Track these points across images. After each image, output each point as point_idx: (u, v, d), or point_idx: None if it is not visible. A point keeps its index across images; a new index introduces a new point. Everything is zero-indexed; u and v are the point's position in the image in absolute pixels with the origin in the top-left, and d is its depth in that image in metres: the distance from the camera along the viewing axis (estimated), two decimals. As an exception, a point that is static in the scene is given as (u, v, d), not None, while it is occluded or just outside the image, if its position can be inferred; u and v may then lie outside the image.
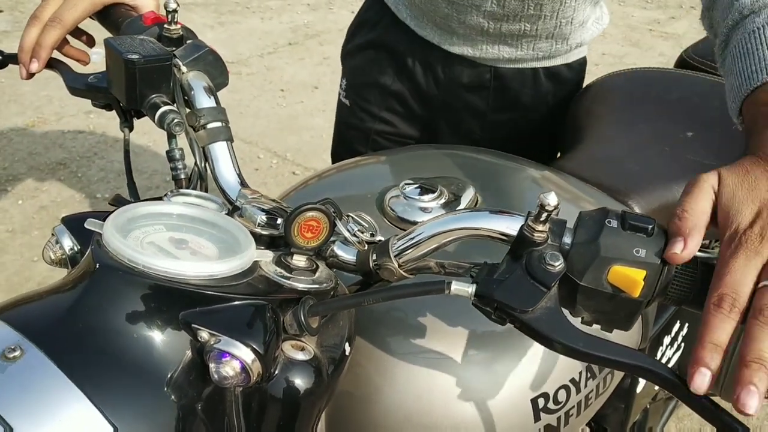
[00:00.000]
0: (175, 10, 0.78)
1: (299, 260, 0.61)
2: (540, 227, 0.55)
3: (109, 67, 0.76)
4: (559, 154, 1.34)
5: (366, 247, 0.64)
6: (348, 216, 0.65)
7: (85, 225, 0.55)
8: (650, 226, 0.56)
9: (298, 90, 3.48)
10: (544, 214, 0.54)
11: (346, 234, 0.62)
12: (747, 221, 0.54)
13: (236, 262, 0.55)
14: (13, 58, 0.87)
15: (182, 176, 0.73)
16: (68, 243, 0.62)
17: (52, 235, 0.63)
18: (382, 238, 0.65)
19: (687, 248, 0.54)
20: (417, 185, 0.83)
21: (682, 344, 1.33)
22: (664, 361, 1.28)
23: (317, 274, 0.60)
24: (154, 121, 0.72)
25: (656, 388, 1.24)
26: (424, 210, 0.81)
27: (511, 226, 0.59)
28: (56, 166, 2.85)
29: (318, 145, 3.01)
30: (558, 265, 0.55)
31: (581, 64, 1.36)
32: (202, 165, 0.74)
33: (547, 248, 0.56)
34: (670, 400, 1.37)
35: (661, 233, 0.56)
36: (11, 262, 2.30)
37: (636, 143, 1.20)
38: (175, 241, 0.58)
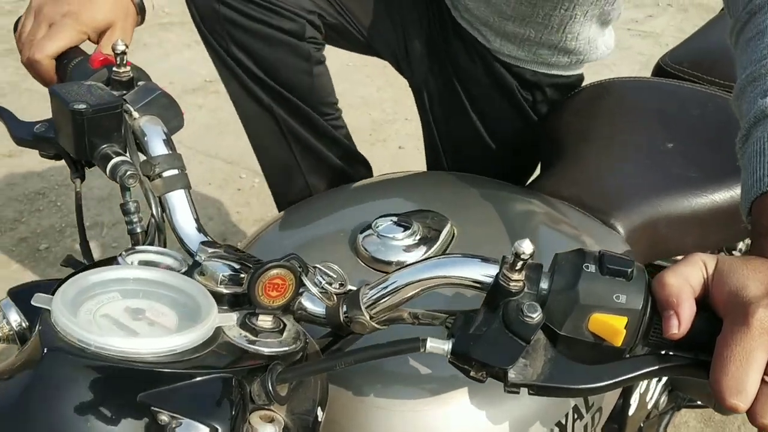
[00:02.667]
0: (123, 52, 0.75)
1: (265, 320, 0.57)
2: (516, 276, 0.52)
3: (56, 117, 0.73)
4: (539, 170, 1.31)
5: (335, 300, 0.61)
6: (315, 268, 0.62)
7: (33, 302, 0.52)
8: (629, 270, 0.53)
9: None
10: (520, 263, 0.52)
11: (313, 290, 0.59)
12: (754, 295, 0.50)
13: (197, 333, 0.52)
14: None
15: (138, 230, 0.70)
16: (15, 318, 0.58)
17: None
18: (353, 288, 0.62)
19: (682, 323, 0.51)
20: (390, 222, 0.80)
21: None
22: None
23: (285, 335, 0.57)
24: (105, 173, 0.69)
25: (649, 407, 1.21)
26: (399, 248, 0.78)
27: (485, 273, 0.56)
28: (35, 196, 2.80)
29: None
30: (536, 316, 0.52)
31: (579, 79, 1.34)
32: (159, 216, 0.71)
33: (525, 297, 0.53)
34: (664, 415, 1.35)
35: (641, 276, 0.54)
36: (-9, 299, 2.25)
37: (616, 157, 1.18)
38: (132, 311, 0.55)
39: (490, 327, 0.52)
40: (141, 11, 0.91)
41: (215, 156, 3.06)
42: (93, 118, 0.68)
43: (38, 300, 0.52)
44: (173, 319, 0.55)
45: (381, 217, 0.81)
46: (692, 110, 1.27)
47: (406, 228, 0.79)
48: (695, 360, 0.53)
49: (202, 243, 0.65)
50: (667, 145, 1.19)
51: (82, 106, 0.68)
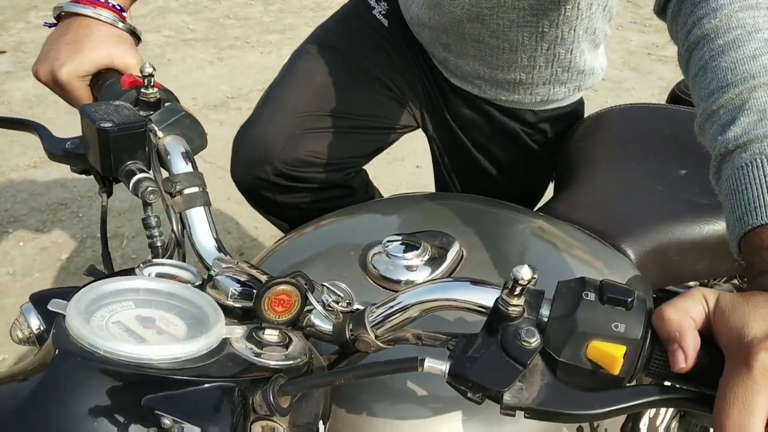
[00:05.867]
0: (151, 75, 0.78)
1: (271, 335, 0.59)
2: (515, 301, 0.54)
3: (85, 134, 0.76)
4: (553, 194, 1.33)
5: (342, 318, 0.63)
6: (323, 286, 0.64)
7: (49, 307, 0.55)
8: (629, 299, 0.54)
9: (298, 123, 3.48)
10: (518, 288, 0.53)
11: (318, 308, 0.61)
12: (755, 336, 0.50)
13: (203, 342, 0.54)
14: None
15: (158, 244, 0.72)
16: (35, 322, 0.61)
17: (21, 313, 0.63)
18: (360, 307, 0.64)
19: (688, 357, 0.52)
20: (400, 242, 0.82)
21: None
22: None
23: (290, 349, 0.59)
24: (129, 189, 0.72)
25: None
26: (407, 268, 0.80)
27: (487, 297, 0.57)
28: (57, 207, 2.85)
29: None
30: (534, 341, 0.53)
31: (579, 103, 1.35)
32: (179, 231, 0.73)
33: (523, 322, 0.54)
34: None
35: (641, 306, 0.55)
36: (12, 306, 2.29)
37: (628, 183, 1.19)
38: (142, 320, 0.57)
39: (487, 350, 0.54)
40: (132, 34, 0.95)
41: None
42: (118, 136, 0.71)
43: (54, 305, 0.55)
44: (182, 329, 0.57)
45: (391, 236, 0.83)
46: None
47: (414, 248, 0.81)
48: (699, 394, 0.54)
49: (217, 258, 0.68)
50: (680, 171, 1.20)
51: (108, 124, 0.71)
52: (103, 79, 0.88)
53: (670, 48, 4.58)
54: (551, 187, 1.44)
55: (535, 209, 1.22)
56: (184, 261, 0.73)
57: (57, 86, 0.91)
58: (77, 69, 0.89)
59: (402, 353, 0.58)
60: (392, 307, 0.61)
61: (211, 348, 0.55)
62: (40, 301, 0.63)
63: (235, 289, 0.62)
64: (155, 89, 0.79)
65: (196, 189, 0.74)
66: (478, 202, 1.05)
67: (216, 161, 3.18)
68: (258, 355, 0.57)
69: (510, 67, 1.19)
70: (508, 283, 0.54)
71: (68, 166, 0.82)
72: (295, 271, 0.60)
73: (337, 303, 0.63)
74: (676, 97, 1.45)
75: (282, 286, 0.58)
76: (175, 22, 4.43)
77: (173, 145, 0.76)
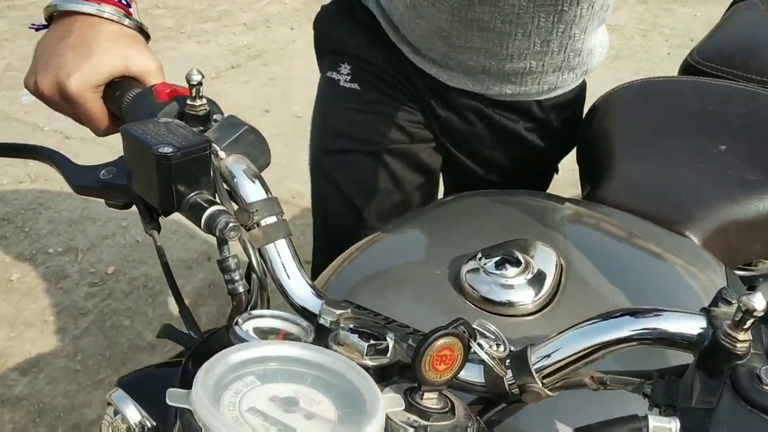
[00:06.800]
0: (200, 83, 0.65)
1: (430, 399, 0.49)
2: (743, 336, 0.45)
3: (131, 161, 0.62)
4: (583, 181, 1.25)
5: (498, 365, 0.53)
6: (474, 330, 0.53)
7: (168, 401, 0.42)
8: None
9: (249, 115, 3.32)
10: (749, 321, 0.44)
11: (487, 358, 0.50)
12: None
13: (371, 429, 0.43)
14: None
15: (240, 289, 0.59)
16: (133, 414, 0.48)
17: (108, 404, 0.49)
18: (513, 348, 0.54)
19: None
20: (498, 256, 0.72)
21: None
22: None
23: (457, 415, 0.48)
24: (198, 224, 0.59)
25: None
26: (511, 288, 0.70)
27: (691, 329, 0.48)
28: (0, 223, 2.63)
29: (280, 173, 2.86)
30: None
31: (583, 86, 1.27)
32: (262, 271, 0.61)
33: (753, 359, 0.45)
34: None
35: None
36: (-36, 338, 2.10)
37: (669, 162, 1.12)
38: (281, 402, 0.45)
39: (720, 399, 0.44)
40: (141, 31, 0.80)
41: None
42: (181, 162, 0.58)
43: (174, 398, 0.43)
44: (330, 408, 0.46)
45: (484, 249, 0.73)
46: (736, 109, 1.21)
47: (514, 263, 0.71)
48: None
49: (326, 303, 0.56)
50: (719, 147, 1.14)
51: (168, 149, 0.57)
52: (119, 90, 0.74)
53: (613, 16, 4.60)
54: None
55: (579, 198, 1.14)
56: (269, 308, 0.61)
57: (64, 100, 0.75)
58: (89, 78, 0.74)
59: (571, 400, 0.48)
60: (564, 348, 0.51)
61: None
62: (132, 385, 0.50)
63: (369, 345, 0.51)
64: (203, 100, 0.66)
65: (275, 219, 0.62)
66: (533, 197, 0.96)
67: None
68: (425, 429, 0.46)
69: (521, 55, 1.09)
70: (729, 315, 0.45)
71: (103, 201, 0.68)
72: (456, 319, 0.49)
73: (490, 347, 0.53)
74: (690, 67, 1.38)
75: (444, 340, 0.47)
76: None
77: (238, 167, 0.63)
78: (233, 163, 0.63)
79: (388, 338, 0.52)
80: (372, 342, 0.51)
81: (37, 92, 0.77)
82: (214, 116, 0.67)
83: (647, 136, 1.18)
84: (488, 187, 1.24)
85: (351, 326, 0.53)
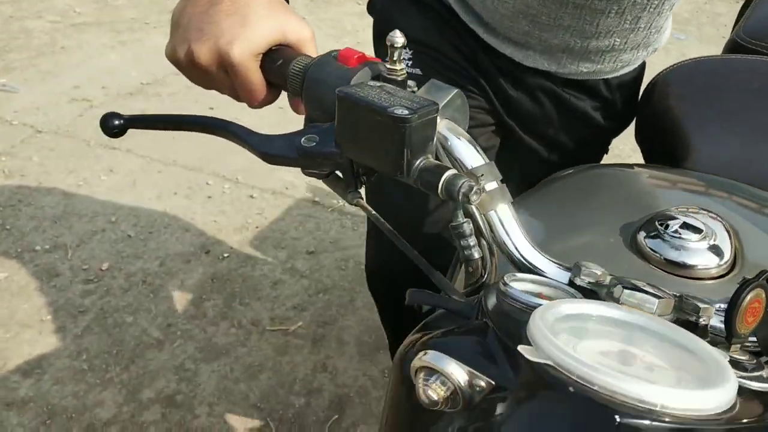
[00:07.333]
0: (403, 45, 0.62)
1: (735, 351, 0.48)
2: None
3: (347, 126, 0.59)
4: (645, 160, 1.26)
5: None
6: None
7: (529, 357, 0.41)
8: None
9: (228, 105, 3.23)
10: None
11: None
12: None
13: (725, 396, 0.42)
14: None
15: (476, 255, 0.58)
16: (460, 374, 0.46)
17: (422, 368, 0.47)
18: None
19: None
20: (679, 221, 0.72)
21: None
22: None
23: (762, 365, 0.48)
24: (430, 189, 0.57)
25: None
26: (696, 252, 0.70)
27: None
28: (-22, 220, 2.50)
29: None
30: None
31: (644, 65, 1.29)
32: (491, 237, 0.59)
33: None
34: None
35: None
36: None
37: (754, 137, 1.14)
38: (614, 356, 0.44)
39: None
40: None
41: (173, 163, 2.84)
42: (416, 126, 0.56)
43: (530, 352, 0.41)
44: (669, 371, 0.45)
45: (660, 212, 0.73)
46: None
47: (695, 230, 0.72)
48: None
49: (578, 265, 0.55)
50: None
51: (405, 111, 0.55)
52: (282, 58, 0.70)
53: None
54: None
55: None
56: (496, 271, 0.60)
57: (222, 70, 0.71)
58: (251, 46, 0.69)
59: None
60: None
61: (731, 404, 0.43)
62: (443, 346, 0.47)
63: (651, 304, 0.50)
64: (402, 64, 0.63)
65: (495, 184, 0.60)
66: (660, 170, 0.97)
67: (149, 154, 2.91)
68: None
69: (608, 32, 1.09)
70: None
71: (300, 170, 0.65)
72: (762, 272, 0.48)
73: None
74: (737, 45, 1.41)
75: (755, 292, 0.47)
76: (59, 5, 4.00)
77: (453, 131, 0.61)
78: (444, 127, 0.61)
79: (670, 294, 0.51)
80: (654, 301, 0.50)
81: (188, 61, 0.72)
82: (409, 82, 0.65)
83: (722, 114, 1.20)
84: (547, 168, 1.24)
85: (625, 284, 0.52)
